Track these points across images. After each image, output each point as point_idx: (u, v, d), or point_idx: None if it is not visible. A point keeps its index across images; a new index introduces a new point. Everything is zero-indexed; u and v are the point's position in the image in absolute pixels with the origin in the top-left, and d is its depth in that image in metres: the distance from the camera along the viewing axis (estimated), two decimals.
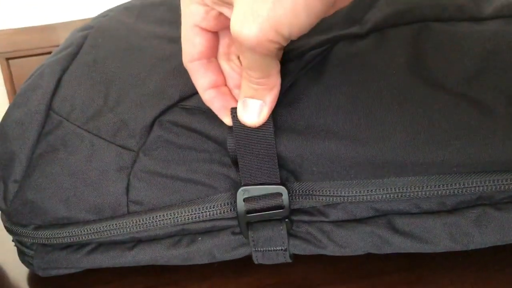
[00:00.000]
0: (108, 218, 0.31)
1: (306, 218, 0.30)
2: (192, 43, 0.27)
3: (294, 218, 0.30)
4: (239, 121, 0.27)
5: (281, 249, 0.30)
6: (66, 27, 1.04)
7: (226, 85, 0.29)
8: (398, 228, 0.29)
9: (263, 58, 0.24)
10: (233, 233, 0.31)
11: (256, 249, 0.30)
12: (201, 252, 0.31)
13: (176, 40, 0.31)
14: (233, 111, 0.28)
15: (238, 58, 0.29)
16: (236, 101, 0.28)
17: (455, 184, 0.28)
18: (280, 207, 0.29)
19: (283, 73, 0.27)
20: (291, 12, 0.21)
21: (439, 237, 0.29)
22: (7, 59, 1.07)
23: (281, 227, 0.30)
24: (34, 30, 1.06)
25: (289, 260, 0.31)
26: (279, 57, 0.27)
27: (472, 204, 0.29)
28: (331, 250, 0.31)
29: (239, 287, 0.33)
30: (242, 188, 0.29)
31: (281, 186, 0.29)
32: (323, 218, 0.30)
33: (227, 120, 0.28)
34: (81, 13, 1.01)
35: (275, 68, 0.26)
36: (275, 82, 0.26)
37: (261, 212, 0.29)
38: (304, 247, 0.31)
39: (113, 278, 0.35)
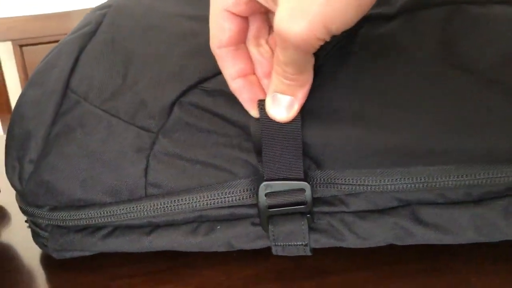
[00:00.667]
0: (125, 201, 0.30)
1: (327, 208, 0.30)
2: (221, 28, 0.26)
3: (315, 209, 0.30)
4: (266, 115, 0.27)
5: (302, 244, 0.30)
6: (80, 14, 1.04)
7: (254, 73, 0.28)
8: (422, 219, 0.28)
9: (304, 55, 0.23)
10: (253, 224, 0.30)
11: (276, 243, 0.30)
12: (220, 241, 0.31)
13: (195, 18, 0.30)
14: (261, 103, 0.27)
15: (267, 43, 0.28)
16: (264, 92, 0.27)
17: (483, 173, 0.27)
18: (303, 203, 0.28)
19: None
20: (343, 8, 0.20)
21: (464, 228, 0.28)
22: (21, 46, 1.07)
23: (302, 222, 0.29)
24: (48, 17, 1.06)
25: (309, 254, 0.30)
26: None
27: (500, 195, 0.28)
28: (352, 242, 0.30)
29: (256, 272, 0.32)
30: (264, 183, 0.28)
31: (304, 182, 0.28)
32: (344, 208, 0.29)
33: (254, 113, 0.27)
34: (95, 0, 1.01)
35: (311, 64, 0.25)
36: (309, 78, 0.25)
37: (283, 207, 0.28)
38: (325, 241, 0.30)
39: (126, 261, 0.35)
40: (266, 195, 0.28)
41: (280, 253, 0.30)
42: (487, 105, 0.26)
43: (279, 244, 0.30)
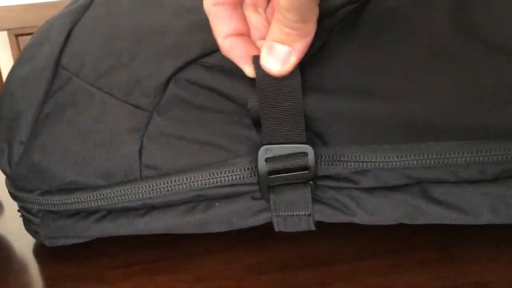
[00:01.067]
0: (119, 183, 0.29)
1: (333, 183, 0.28)
2: None
3: (320, 183, 0.28)
4: (262, 72, 0.25)
5: (305, 214, 0.28)
6: None
7: (249, 35, 0.26)
8: (434, 197, 0.27)
9: (308, 0, 0.21)
10: (253, 198, 0.29)
11: (278, 213, 0.28)
12: (218, 218, 0.29)
13: None
14: (256, 60, 0.25)
15: (265, 11, 0.26)
16: (259, 50, 0.25)
17: (499, 150, 0.25)
18: (305, 167, 0.27)
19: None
20: None
21: (478, 208, 0.27)
22: (16, 35, 1.05)
23: (306, 190, 0.27)
24: (44, 6, 1.04)
25: (313, 228, 0.29)
26: (318, 3, 0.24)
27: None
28: (359, 218, 0.28)
29: (257, 261, 0.31)
30: (264, 147, 0.26)
31: (306, 145, 0.26)
32: (351, 185, 0.28)
33: (248, 70, 0.25)
34: None
35: (315, 14, 0.23)
36: (310, 29, 0.24)
37: (284, 173, 0.27)
38: (330, 214, 0.29)
39: (122, 250, 0.33)
40: (266, 160, 0.27)
41: (281, 228, 0.29)
42: (506, 79, 0.25)
43: (280, 214, 0.28)
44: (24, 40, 1.05)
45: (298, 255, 0.31)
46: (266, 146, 0.26)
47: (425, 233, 0.30)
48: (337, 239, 0.31)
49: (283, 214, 0.28)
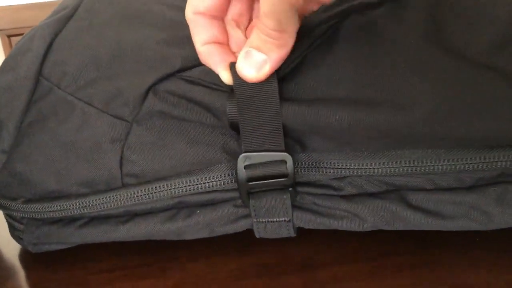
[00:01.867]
0: (101, 191, 0.29)
1: (312, 190, 0.28)
2: None
3: (299, 189, 0.29)
4: (239, 78, 0.25)
5: (284, 220, 0.29)
6: None
7: (227, 44, 0.26)
8: (412, 203, 0.28)
9: (287, 7, 0.22)
10: (235, 206, 0.29)
11: (258, 219, 0.29)
12: (199, 225, 0.30)
13: (178, 8, 0.29)
14: (233, 66, 0.25)
15: (245, 31, 0.27)
16: (236, 58, 0.26)
17: (475, 158, 0.26)
18: (284, 175, 0.27)
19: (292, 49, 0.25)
20: None
21: (455, 214, 0.27)
22: (9, 36, 1.05)
23: (285, 196, 0.28)
24: (37, 7, 1.04)
25: (293, 234, 0.29)
26: (298, 19, 0.24)
27: (493, 181, 0.27)
28: (338, 224, 0.29)
29: (240, 266, 0.31)
30: (243, 155, 0.27)
31: (285, 153, 0.27)
32: (331, 191, 0.28)
33: (225, 76, 0.26)
34: None
35: (293, 26, 0.23)
36: (287, 41, 0.24)
37: (263, 180, 0.27)
38: (309, 219, 0.29)
39: (105, 256, 0.33)
40: (245, 167, 0.27)
41: (262, 234, 0.29)
42: (481, 90, 0.25)
43: (260, 220, 0.28)
44: (17, 41, 1.05)
45: (280, 260, 0.31)
46: (245, 154, 0.27)
47: (405, 238, 0.31)
48: (318, 244, 0.32)
49: (263, 220, 0.29)
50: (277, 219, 0.29)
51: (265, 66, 0.24)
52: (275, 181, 0.27)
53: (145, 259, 0.33)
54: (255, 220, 0.29)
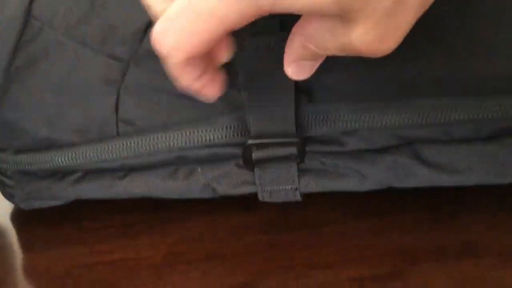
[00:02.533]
0: (95, 141, 0.27)
1: (319, 148, 0.27)
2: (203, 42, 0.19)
3: (306, 148, 0.27)
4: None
5: (291, 188, 0.27)
6: None
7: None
8: (425, 158, 0.26)
9: None
10: (238, 166, 0.28)
11: (263, 188, 0.27)
12: (201, 185, 0.28)
13: None
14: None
15: None
16: None
17: (495, 106, 0.24)
18: (293, 155, 0.26)
19: None
20: None
21: (472, 168, 0.26)
22: None
23: (291, 165, 0.26)
24: None
25: (299, 199, 0.28)
26: None
27: None
28: (346, 184, 0.27)
29: (242, 223, 0.30)
30: (250, 141, 0.26)
31: (295, 139, 0.25)
32: (339, 148, 0.27)
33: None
34: None
35: None
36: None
37: (271, 161, 0.26)
38: (316, 183, 0.27)
39: (101, 214, 0.32)
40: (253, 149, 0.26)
41: (267, 199, 0.28)
42: (505, 23, 0.23)
43: (265, 189, 0.27)
44: None
45: (284, 217, 0.30)
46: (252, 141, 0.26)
47: (414, 195, 0.29)
48: (322, 202, 0.30)
49: (268, 189, 0.27)
50: (283, 187, 0.27)
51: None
52: (282, 156, 0.26)
53: (143, 216, 0.31)
54: (259, 189, 0.27)
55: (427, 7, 0.18)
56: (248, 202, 0.30)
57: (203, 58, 0.21)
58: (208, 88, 0.22)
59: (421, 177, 0.26)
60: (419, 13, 0.18)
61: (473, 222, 0.28)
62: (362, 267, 0.26)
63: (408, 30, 0.18)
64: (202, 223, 0.30)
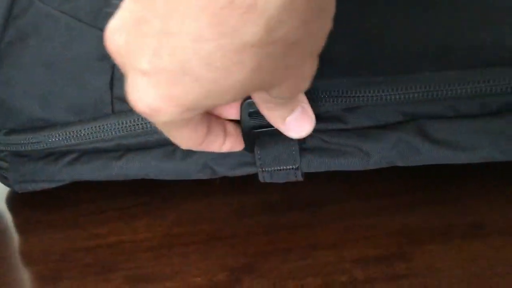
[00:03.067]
0: (90, 120, 0.26)
1: (320, 126, 0.26)
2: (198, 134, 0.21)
3: None
4: None
5: (292, 168, 0.26)
6: None
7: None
8: (430, 134, 0.25)
9: None
10: None
11: (263, 169, 0.26)
12: (199, 166, 0.27)
13: None
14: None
15: None
16: None
17: (504, 79, 0.23)
18: None
19: None
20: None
21: (478, 144, 0.25)
22: None
23: (292, 143, 0.26)
24: None
25: (300, 179, 0.27)
26: None
27: None
28: (350, 162, 0.26)
29: (242, 204, 0.29)
30: (247, 101, 0.24)
31: None
32: (341, 126, 0.26)
33: None
34: None
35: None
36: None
37: (270, 127, 0.24)
38: (319, 162, 0.26)
39: (97, 197, 0.31)
40: (249, 114, 0.24)
41: (268, 180, 0.27)
42: None
43: (266, 169, 0.26)
44: None
45: (283, 197, 0.29)
46: (249, 100, 0.24)
47: (417, 174, 0.28)
48: (324, 182, 0.29)
49: (269, 169, 0.26)
50: (284, 167, 0.26)
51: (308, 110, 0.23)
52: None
53: (141, 198, 0.31)
54: (260, 169, 0.26)
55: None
56: (248, 182, 0.29)
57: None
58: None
59: (426, 154, 0.25)
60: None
61: (479, 201, 0.27)
62: (366, 247, 0.25)
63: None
64: (200, 204, 0.30)
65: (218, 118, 0.23)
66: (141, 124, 0.26)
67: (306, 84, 0.19)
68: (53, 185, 0.30)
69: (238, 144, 0.25)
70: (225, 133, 0.24)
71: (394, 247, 0.25)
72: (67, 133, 0.26)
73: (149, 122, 0.26)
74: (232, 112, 0.24)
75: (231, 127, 0.24)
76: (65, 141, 0.27)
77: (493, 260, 0.23)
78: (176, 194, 0.30)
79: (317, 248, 0.25)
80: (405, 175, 0.29)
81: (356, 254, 0.25)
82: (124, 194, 0.31)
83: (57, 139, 0.27)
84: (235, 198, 0.30)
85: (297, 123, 0.22)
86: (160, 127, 0.19)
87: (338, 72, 0.25)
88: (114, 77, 0.26)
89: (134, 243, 0.28)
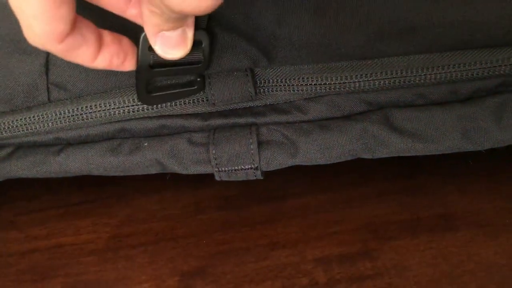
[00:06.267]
0: (23, 109, 0.23)
1: (280, 117, 0.24)
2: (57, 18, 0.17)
3: (266, 120, 0.24)
4: None
5: (251, 168, 0.24)
6: None
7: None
8: (397, 125, 0.23)
9: None
10: (190, 142, 0.24)
11: (220, 169, 0.24)
12: (147, 162, 0.24)
13: None
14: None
15: None
16: None
17: (475, 63, 0.21)
18: (198, 61, 0.21)
19: None
20: None
21: (448, 134, 0.23)
22: None
23: (251, 140, 0.23)
24: None
25: (260, 178, 0.25)
26: None
27: (492, 92, 0.23)
28: (312, 156, 0.24)
29: (197, 200, 0.27)
30: (143, 34, 0.20)
31: (201, 31, 0.21)
32: (301, 116, 0.24)
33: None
34: None
35: None
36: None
37: (173, 66, 0.21)
38: (279, 160, 0.24)
39: (39, 193, 0.28)
40: (149, 48, 0.20)
41: (225, 179, 0.24)
42: None
43: (223, 169, 0.24)
44: None
45: (243, 191, 0.27)
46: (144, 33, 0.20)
47: (385, 164, 0.27)
48: (287, 174, 0.27)
49: (226, 169, 0.24)
50: (242, 167, 0.24)
51: (188, 34, 0.19)
52: (185, 68, 0.21)
53: (85, 195, 0.28)
54: (216, 169, 0.24)
55: None
56: (202, 175, 0.27)
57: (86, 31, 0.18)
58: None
59: (394, 146, 0.23)
60: None
61: (448, 192, 0.25)
62: (329, 245, 0.23)
63: None
64: (150, 201, 0.27)
65: (89, 23, 0.19)
66: (81, 114, 0.23)
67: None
68: None
69: (124, 61, 0.20)
70: (100, 42, 0.19)
71: (360, 244, 0.23)
72: None
73: (89, 112, 0.23)
74: (131, 12, 0.19)
75: (108, 37, 0.20)
76: None
77: (464, 255, 0.22)
78: (124, 190, 0.28)
79: (277, 247, 0.23)
80: (371, 164, 0.27)
81: (318, 253, 0.23)
82: (67, 190, 0.28)
83: None
84: (189, 193, 0.27)
85: (170, 43, 0.19)
86: None
87: (298, 58, 0.22)
88: (49, 60, 0.23)
89: (76, 245, 0.25)
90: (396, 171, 0.27)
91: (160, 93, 0.22)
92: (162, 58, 0.20)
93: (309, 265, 0.22)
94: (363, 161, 0.26)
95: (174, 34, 0.19)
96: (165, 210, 0.26)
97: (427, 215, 0.24)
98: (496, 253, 0.22)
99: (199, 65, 0.21)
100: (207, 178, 0.27)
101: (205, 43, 0.21)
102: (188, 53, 0.20)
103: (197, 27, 0.20)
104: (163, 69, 0.21)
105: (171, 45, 0.19)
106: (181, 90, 0.23)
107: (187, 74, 0.22)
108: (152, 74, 0.21)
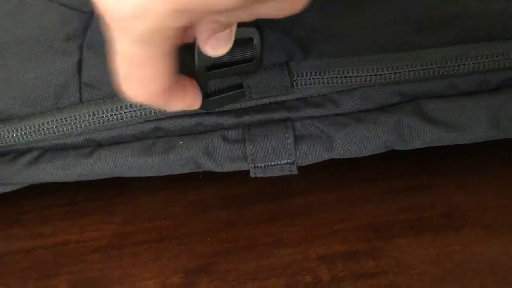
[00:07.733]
0: (53, 111, 0.23)
1: (314, 111, 0.24)
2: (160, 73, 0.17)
3: (300, 114, 0.24)
4: None
5: (287, 163, 0.24)
6: None
7: None
8: (430, 115, 0.23)
9: None
10: (224, 139, 0.24)
11: (256, 165, 0.24)
12: (182, 161, 0.24)
13: None
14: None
15: None
16: None
17: (508, 53, 0.22)
18: (251, 59, 0.21)
19: None
20: None
21: (480, 123, 0.23)
22: None
23: (287, 135, 0.23)
24: None
25: (295, 173, 0.25)
26: None
27: None
28: (347, 149, 0.24)
29: (200, 198, 0.27)
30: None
31: (252, 28, 0.20)
32: (336, 110, 0.24)
33: None
34: None
35: None
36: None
37: (225, 67, 0.21)
38: (314, 153, 0.24)
39: (42, 191, 0.29)
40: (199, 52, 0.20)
41: (260, 175, 0.24)
42: None
43: (258, 165, 0.24)
44: None
45: (246, 190, 0.27)
46: None
47: (389, 163, 0.27)
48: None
49: (262, 165, 0.24)
50: (279, 162, 0.24)
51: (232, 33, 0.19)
52: (241, 66, 0.21)
53: (89, 193, 0.28)
54: (252, 165, 0.24)
55: None
56: (206, 174, 0.27)
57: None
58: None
59: (428, 136, 0.24)
60: None
61: (452, 191, 0.25)
62: (333, 243, 0.23)
63: None
64: (154, 199, 0.27)
65: None
66: (115, 114, 0.23)
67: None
68: (8, 189, 0.26)
69: (196, 100, 0.20)
70: (184, 85, 0.19)
71: (363, 242, 0.23)
72: (26, 127, 0.23)
73: (124, 112, 0.23)
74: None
75: (185, 78, 0.20)
76: (25, 137, 0.23)
77: (467, 254, 0.22)
78: (128, 188, 0.28)
79: (280, 245, 0.23)
80: (374, 163, 0.27)
81: (322, 251, 0.23)
82: (71, 188, 0.28)
83: (13, 135, 0.23)
84: (192, 191, 0.27)
85: (220, 42, 0.19)
86: (129, 49, 0.15)
87: (334, 51, 0.23)
88: (83, 58, 0.23)
89: (81, 243, 0.25)
90: (400, 170, 0.27)
91: (216, 97, 0.22)
92: (214, 59, 0.20)
93: (313, 263, 0.22)
94: (366, 160, 0.26)
95: (224, 33, 0.19)
96: (169, 208, 0.26)
97: (430, 214, 0.24)
98: (499, 252, 0.22)
99: (252, 62, 0.21)
100: (211, 177, 0.27)
101: (256, 40, 0.21)
102: (241, 51, 0.20)
103: (247, 24, 0.20)
104: (219, 70, 0.21)
105: (221, 44, 0.19)
106: (233, 92, 0.23)
107: (242, 73, 0.22)
108: (209, 77, 0.21)
